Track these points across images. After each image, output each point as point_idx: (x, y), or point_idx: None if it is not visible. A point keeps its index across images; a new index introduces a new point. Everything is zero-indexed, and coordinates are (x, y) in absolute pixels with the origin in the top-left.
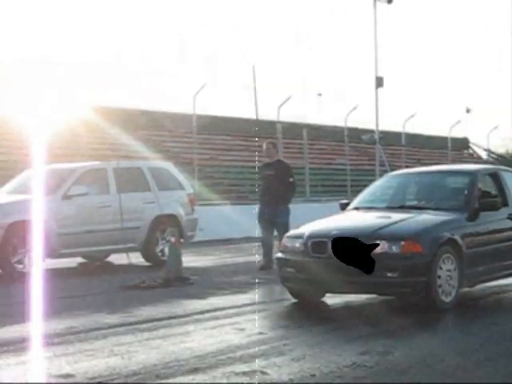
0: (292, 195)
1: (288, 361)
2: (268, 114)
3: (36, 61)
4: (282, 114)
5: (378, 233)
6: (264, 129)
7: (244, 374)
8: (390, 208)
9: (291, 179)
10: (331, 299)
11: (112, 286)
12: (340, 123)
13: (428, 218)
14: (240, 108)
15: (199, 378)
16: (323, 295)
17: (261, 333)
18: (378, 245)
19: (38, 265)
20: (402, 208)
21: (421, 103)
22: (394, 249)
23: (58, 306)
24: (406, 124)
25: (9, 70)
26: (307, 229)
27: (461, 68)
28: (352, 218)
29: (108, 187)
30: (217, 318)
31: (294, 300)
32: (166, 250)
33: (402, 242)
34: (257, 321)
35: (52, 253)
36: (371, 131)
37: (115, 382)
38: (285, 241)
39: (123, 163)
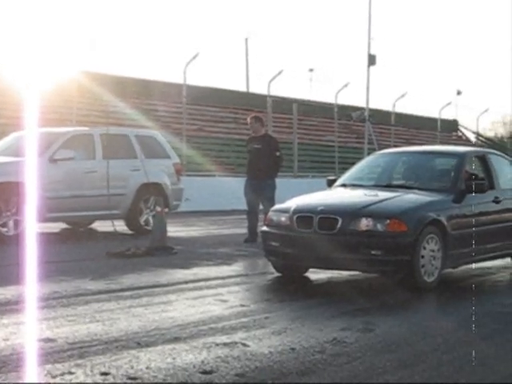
0: (278, 169)
1: (269, 334)
2: (259, 87)
3: (29, 24)
4: (272, 89)
5: (363, 210)
6: (254, 102)
7: (225, 345)
8: (377, 186)
9: (278, 153)
10: (314, 275)
11: (96, 253)
12: (330, 100)
13: (414, 197)
14: (231, 80)
15: (180, 347)
16: (306, 270)
17: (243, 305)
18: (363, 222)
19: (26, 228)
20: (389, 187)
21: (412, 83)
22: (379, 227)
23: (42, 270)
24: (396, 103)
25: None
26: (293, 203)
27: (453, 50)
28: (338, 195)
29: (94, 153)
30: (200, 289)
31: (277, 274)
32: (150, 219)
33: (387, 221)
34: (239, 293)
35: (37, 217)
36: (361, 109)
37: (96, 347)
38: (270, 214)
39: (110, 129)
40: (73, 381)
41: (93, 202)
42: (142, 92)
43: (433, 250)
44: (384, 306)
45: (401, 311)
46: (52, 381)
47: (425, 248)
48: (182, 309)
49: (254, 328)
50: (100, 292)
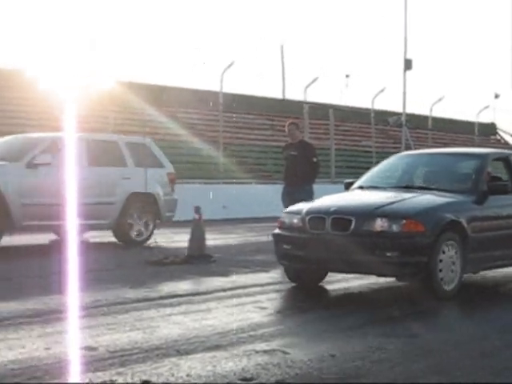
0: (316, 175)
1: (308, 341)
2: (295, 94)
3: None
4: (308, 95)
5: (378, 210)
6: (290, 109)
7: (264, 352)
8: (396, 188)
9: (315, 159)
10: (347, 283)
11: (132, 262)
12: (367, 105)
13: (432, 198)
14: (267, 87)
15: (220, 355)
16: (322, 276)
17: (281, 312)
18: (377, 222)
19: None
20: (408, 188)
21: (449, 87)
22: (395, 227)
23: (81, 279)
24: (433, 108)
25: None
26: (306, 205)
27: (490, 53)
28: (354, 196)
29: (80, 159)
30: (238, 296)
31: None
32: (143, 230)
33: (403, 221)
34: (278, 300)
35: (13, 224)
36: (398, 114)
37: (136, 355)
38: (283, 217)
39: (98, 136)
40: None
41: (76, 210)
42: (177, 101)
43: (452, 253)
44: (416, 314)
45: (433, 318)
46: None
47: (444, 250)
48: (222, 316)
49: (294, 335)
50: (139, 300)
